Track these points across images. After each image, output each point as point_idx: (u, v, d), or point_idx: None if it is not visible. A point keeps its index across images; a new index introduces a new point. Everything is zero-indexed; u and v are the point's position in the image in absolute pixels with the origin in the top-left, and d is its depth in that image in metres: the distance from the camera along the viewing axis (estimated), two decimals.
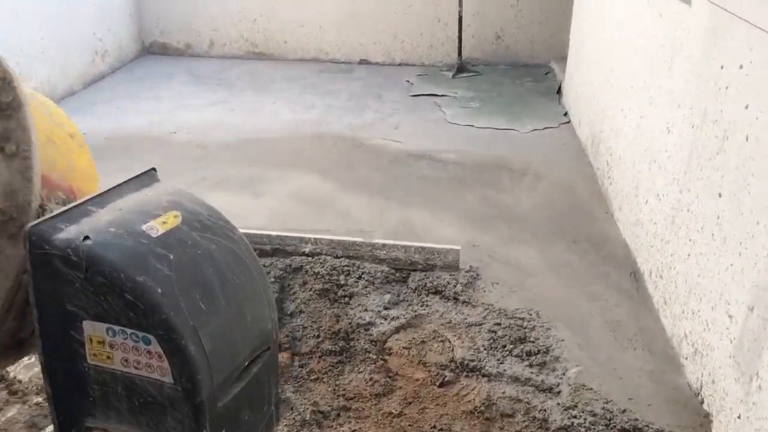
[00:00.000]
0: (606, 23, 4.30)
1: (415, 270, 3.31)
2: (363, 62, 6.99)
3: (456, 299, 3.12)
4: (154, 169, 1.74)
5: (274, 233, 3.40)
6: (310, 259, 3.33)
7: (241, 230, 3.34)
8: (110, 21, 6.44)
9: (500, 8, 6.61)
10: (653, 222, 3.12)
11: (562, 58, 6.58)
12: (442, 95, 5.96)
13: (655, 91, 3.18)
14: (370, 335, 2.90)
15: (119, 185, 1.64)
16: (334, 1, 6.80)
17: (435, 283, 3.20)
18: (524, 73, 6.56)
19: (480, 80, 6.36)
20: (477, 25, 6.69)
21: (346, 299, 3.18)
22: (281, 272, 3.27)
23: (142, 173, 1.73)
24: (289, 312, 3.12)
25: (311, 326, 3.02)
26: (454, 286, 3.16)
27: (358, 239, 3.36)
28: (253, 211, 3.89)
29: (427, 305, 3.11)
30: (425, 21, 6.74)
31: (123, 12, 6.68)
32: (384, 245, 3.32)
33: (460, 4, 6.30)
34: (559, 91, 5.94)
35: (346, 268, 3.29)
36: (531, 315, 2.99)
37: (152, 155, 4.62)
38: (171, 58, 7.10)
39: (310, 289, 3.21)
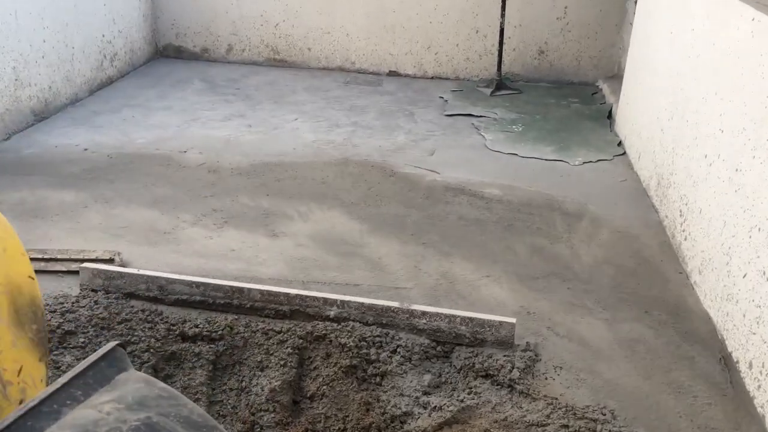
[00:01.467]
0: (682, 41, 3.72)
1: (460, 344, 2.77)
2: (392, 74, 6.44)
3: (511, 387, 2.57)
4: (121, 346, 1.18)
5: (293, 292, 2.87)
6: (335, 325, 2.80)
7: (255, 285, 2.82)
8: (121, 22, 5.93)
9: (545, 20, 6.03)
10: (756, 304, 2.54)
11: (611, 77, 6.01)
12: (480, 116, 5.40)
13: (765, 141, 2.61)
14: None
15: (60, 388, 1.07)
16: (363, 7, 6.25)
17: (485, 363, 2.65)
18: (569, 92, 5.98)
19: (521, 99, 5.79)
20: (519, 37, 6.12)
21: (378, 379, 2.65)
22: (300, 341, 2.74)
23: (102, 356, 1.16)
24: (308, 394, 2.59)
25: (335, 415, 2.49)
26: (510, 371, 2.61)
27: (393, 304, 2.82)
28: (269, 255, 3.36)
29: (475, 393, 2.56)
30: (462, 31, 6.18)
31: (136, 12, 6.17)
32: (424, 313, 2.77)
33: (503, 15, 5.74)
34: (610, 115, 5.36)
35: (378, 339, 2.75)
36: (605, 415, 2.44)
37: (158, 179, 4.10)
38: (185, 62, 6.59)
39: (335, 365, 2.68)
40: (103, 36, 5.66)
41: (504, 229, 3.68)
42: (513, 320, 2.75)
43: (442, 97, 5.86)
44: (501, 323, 2.73)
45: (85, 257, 3.25)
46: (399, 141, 4.88)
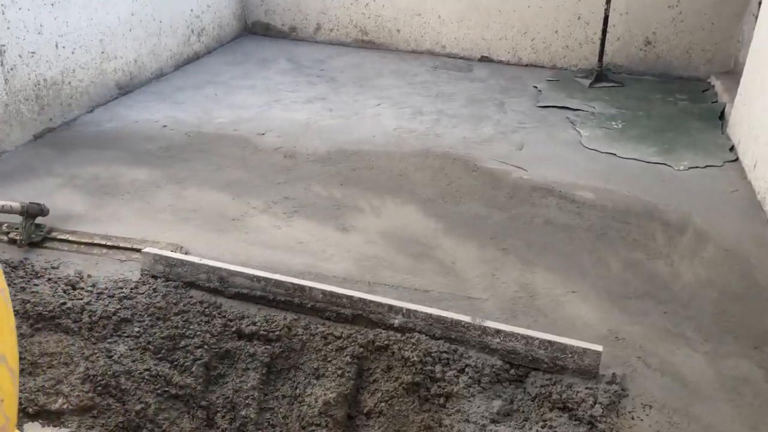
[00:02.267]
0: None
1: (536, 369, 2.48)
2: (484, 59, 6.10)
3: (592, 425, 2.27)
4: None
5: (356, 295, 2.66)
6: (399, 335, 2.57)
7: (318, 284, 2.62)
8: None
9: (655, 8, 5.52)
10: None
11: (726, 73, 5.46)
12: (577, 109, 5.00)
13: None
14: None
15: None
16: None
17: (564, 394, 2.36)
18: (677, 87, 5.47)
19: (623, 93, 5.34)
20: (624, 26, 5.64)
21: (442, 400, 2.41)
22: (361, 350, 2.53)
23: None
24: (365, 410, 2.39)
25: None
26: (591, 405, 2.31)
27: (464, 318, 2.56)
28: (337, 250, 3.17)
29: (550, 427, 2.28)
30: (563, 17, 5.75)
31: None
32: (498, 331, 2.50)
33: (608, 1, 5.28)
34: (722, 116, 4.85)
35: (444, 356, 2.50)
36: None
37: (233, 162, 3.99)
38: (273, 40, 6.48)
39: (396, 380, 2.46)
40: (192, 11, 5.61)
41: (595, 239, 3.33)
42: (599, 348, 2.44)
43: (536, 87, 5.49)
44: (585, 350, 2.43)
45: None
46: (486, 132, 4.57)
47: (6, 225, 3.16)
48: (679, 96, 5.28)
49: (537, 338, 2.47)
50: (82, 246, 3.12)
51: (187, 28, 5.58)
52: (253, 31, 6.60)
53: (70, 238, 3.15)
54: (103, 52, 4.59)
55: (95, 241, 3.13)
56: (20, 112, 3.97)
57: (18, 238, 3.10)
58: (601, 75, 5.51)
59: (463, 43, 6.11)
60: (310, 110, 4.82)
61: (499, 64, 6.05)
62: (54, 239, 3.15)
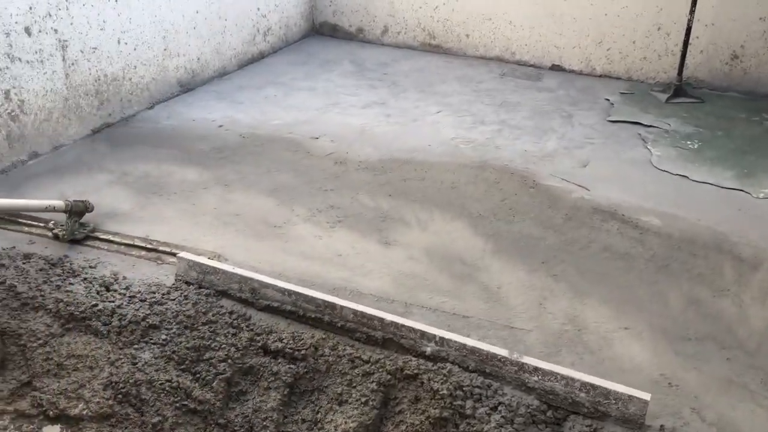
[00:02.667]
0: None
1: (576, 413, 2.28)
2: (555, 68, 5.84)
3: None
4: None
5: (388, 318, 2.52)
6: (430, 365, 2.42)
7: (349, 303, 2.50)
8: None
9: (745, 20, 5.14)
10: None
11: None
12: (650, 126, 4.70)
13: None
14: None
15: None
16: None
17: None
18: (765, 106, 5.07)
19: (702, 110, 4.98)
20: (709, 38, 5.27)
21: None
22: (388, 377, 2.39)
23: None
24: None
25: None
26: None
27: (501, 351, 2.38)
28: (376, 266, 3.03)
29: None
30: (642, 27, 5.43)
31: None
32: (537, 369, 2.31)
33: (692, 11, 4.94)
34: None
35: (477, 391, 2.33)
36: None
37: (283, 166, 3.92)
38: (339, 41, 6.41)
39: (423, 413, 2.31)
40: (258, 9, 5.59)
41: (657, 270, 3.08)
42: (646, 396, 2.21)
43: (608, 100, 5.20)
44: (631, 397, 2.21)
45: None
46: (549, 147, 4.34)
47: (53, 222, 3.18)
48: (766, 115, 4.89)
49: (578, 380, 2.26)
50: (122, 247, 3.11)
51: (253, 27, 5.57)
52: (321, 31, 6.55)
53: (111, 239, 3.15)
54: (165, 50, 4.62)
55: (135, 243, 3.12)
56: (80, 106, 4.02)
57: (61, 234, 3.11)
58: (680, 89, 5.17)
59: (534, 51, 5.87)
60: (368, 115, 4.70)
61: (571, 74, 5.78)
62: (96, 238, 3.16)
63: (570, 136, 4.53)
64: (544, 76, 5.73)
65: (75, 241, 3.12)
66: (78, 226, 3.14)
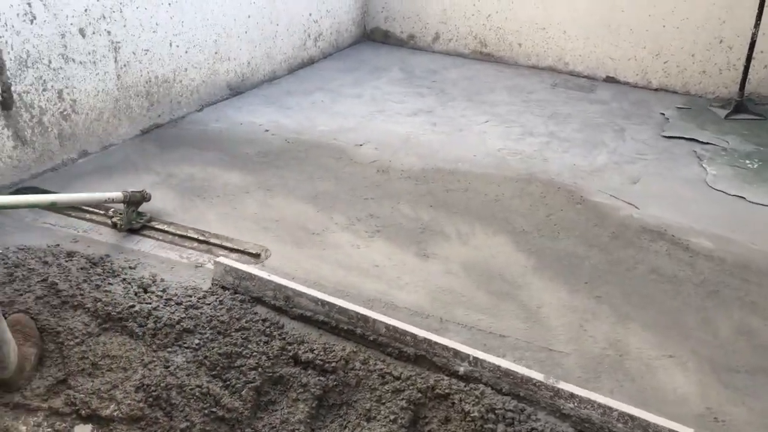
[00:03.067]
0: None
1: None
2: (609, 80, 5.69)
3: None
4: None
5: (421, 334, 2.46)
6: (462, 385, 2.35)
7: (382, 317, 2.46)
8: (331, 2, 5.86)
9: None
10: None
11: None
12: (706, 143, 4.52)
13: None
14: None
15: None
16: (588, 4, 5.57)
17: None
18: None
19: (764, 127, 4.78)
20: None
21: None
22: (419, 396, 2.34)
23: None
24: None
25: None
26: None
27: (537, 375, 2.30)
28: (413, 279, 2.98)
29: None
30: (702, 39, 5.25)
31: None
32: (573, 395, 2.23)
33: (757, 24, 4.75)
34: None
35: (510, 415, 2.26)
36: None
37: (325, 173, 3.90)
38: (390, 48, 6.39)
39: None
40: (310, 15, 5.61)
41: (706, 296, 2.94)
42: (689, 431, 2.10)
43: (664, 114, 5.03)
44: None
45: (236, 247, 3.15)
46: (599, 161, 4.21)
47: (113, 210, 3.32)
48: None
49: (617, 409, 2.17)
50: (176, 237, 3.23)
51: (304, 33, 5.59)
52: (372, 37, 6.54)
53: (166, 229, 3.27)
54: (216, 53, 4.67)
55: (188, 234, 3.23)
56: (130, 107, 4.09)
57: (119, 223, 3.24)
58: (741, 106, 4.97)
59: (588, 61, 5.73)
60: (413, 123, 4.66)
61: (625, 86, 5.62)
62: (152, 228, 3.29)
63: (621, 150, 4.39)
64: (598, 87, 5.59)
65: (132, 230, 3.24)
66: (135, 215, 3.27)
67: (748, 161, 4.25)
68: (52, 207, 3.22)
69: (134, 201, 3.25)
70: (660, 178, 4.02)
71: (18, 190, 3.50)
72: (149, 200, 3.35)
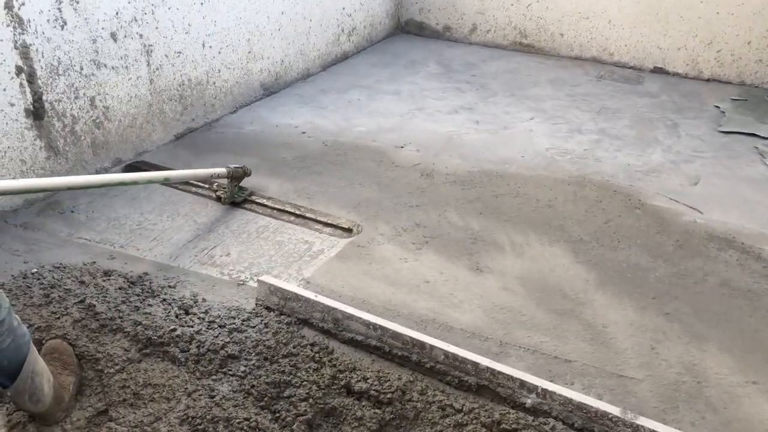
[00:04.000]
0: None
1: None
2: (657, 71, 5.42)
3: None
4: None
5: (483, 363, 2.29)
6: (530, 419, 2.17)
7: (440, 343, 2.29)
8: None
9: None
10: None
11: None
12: None
13: None
14: None
15: None
16: None
17: None
18: None
19: None
20: None
21: None
22: (483, 431, 2.16)
23: None
24: None
25: None
26: None
27: (613, 409, 2.11)
28: (467, 296, 2.80)
29: None
30: (759, 26, 4.96)
31: None
32: None
33: None
34: None
35: None
36: None
37: (367, 178, 3.73)
38: (425, 40, 6.17)
39: None
40: (344, 9, 5.42)
41: None
42: None
43: (718, 107, 4.77)
44: None
45: (329, 221, 3.32)
46: (654, 160, 3.98)
47: (217, 184, 3.53)
48: None
49: None
50: (274, 211, 3.41)
51: (338, 27, 5.41)
52: (406, 30, 6.33)
53: (265, 203, 3.46)
54: (249, 52, 4.51)
55: (287, 209, 3.40)
56: (163, 111, 3.95)
57: (222, 196, 3.44)
58: None
59: (634, 51, 5.46)
60: (455, 121, 4.46)
61: (675, 77, 5.35)
62: (252, 201, 3.47)
63: (677, 148, 4.15)
64: (645, 79, 5.33)
65: (235, 204, 3.44)
66: (237, 189, 3.45)
67: None
68: (166, 182, 3.40)
69: (237, 176, 3.41)
70: (721, 179, 3.78)
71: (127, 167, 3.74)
72: (250, 175, 3.51)
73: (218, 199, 3.45)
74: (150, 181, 3.06)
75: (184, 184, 3.60)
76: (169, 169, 3.63)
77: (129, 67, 3.66)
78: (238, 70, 4.45)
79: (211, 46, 4.16)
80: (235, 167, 3.38)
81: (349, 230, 3.25)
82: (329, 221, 3.31)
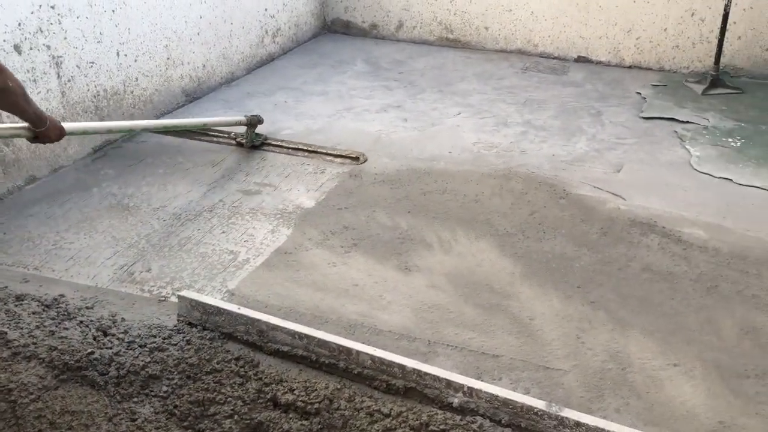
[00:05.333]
0: None
1: None
2: (581, 60, 5.52)
3: None
4: None
5: (410, 365, 2.27)
6: (458, 418, 2.17)
7: (366, 348, 2.25)
8: None
9: None
10: None
11: None
12: (686, 122, 4.37)
13: None
14: None
15: None
16: None
17: None
18: None
19: (743, 102, 4.65)
20: (747, 23, 4.92)
21: None
22: None
23: None
24: None
25: None
26: None
27: (537, 403, 2.12)
28: (396, 296, 2.78)
29: None
30: (674, 13, 5.09)
31: None
32: (579, 424, 2.05)
33: None
34: None
35: None
36: None
37: (297, 183, 3.67)
38: (352, 39, 6.13)
39: None
40: (266, 10, 5.33)
41: (705, 293, 2.79)
42: None
43: (640, 93, 4.88)
44: None
45: (337, 153, 3.94)
46: (578, 149, 4.04)
47: (233, 133, 4.04)
48: None
49: None
50: (290, 150, 3.98)
51: (261, 29, 5.32)
52: (333, 29, 6.28)
53: (280, 144, 4.04)
54: (168, 58, 4.38)
55: (299, 147, 3.99)
56: None
57: (243, 141, 3.97)
58: (717, 80, 4.83)
59: (558, 42, 5.54)
60: (383, 120, 4.44)
61: (598, 66, 5.45)
62: (269, 144, 4.04)
63: (600, 136, 4.23)
64: (570, 69, 5.41)
65: (254, 147, 3.98)
66: (255, 135, 3.97)
67: (730, 139, 4.11)
68: (197, 129, 4.05)
69: (253, 123, 3.92)
70: (643, 164, 3.86)
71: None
72: (263, 123, 4.02)
73: (239, 144, 3.98)
74: (182, 128, 3.96)
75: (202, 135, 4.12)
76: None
77: (37, 80, 3.50)
78: (157, 78, 4.32)
79: (126, 55, 4.03)
80: (251, 115, 3.92)
81: (356, 158, 3.84)
82: (337, 153, 3.91)
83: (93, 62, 3.81)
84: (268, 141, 4.01)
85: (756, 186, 3.59)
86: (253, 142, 3.95)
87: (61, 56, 3.60)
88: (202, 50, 4.68)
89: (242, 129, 3.97)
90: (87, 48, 3.75)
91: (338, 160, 3.85)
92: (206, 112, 4.51)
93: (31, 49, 3.43)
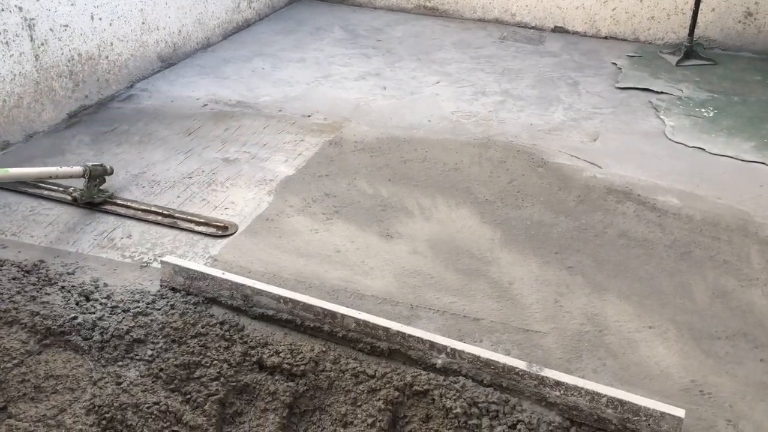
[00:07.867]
0: None
1: (603, 430, 2.10)
2: (558, 30, 5.54)
3: None
4: None
5: (394, 327, 2.31)
6: (441, 379, 2.22)
7: (351, 312, 2.29)
8: None
9: None
10: None
11: None
12: (661, 92, 4.44)
13: None
14: None
15: None
16: None
17: None
18: None
19: (716, 73, 4.72)
20: None
21: None
22: (396, 394, 2.20)
23: None
24: None
25: None
26: None
27: (519, 364, 2.18)
28: (378, 262, 2.81)
29: None
30: None
31: None
32: (558, 383, 2.12)
33: None
34: None
35: (493, 407, 2.14)
36: None
37: (277, 152, 3.66)
38: (330, 5, 6.07)
39: None
40: None
41: (678, 258, 2.87)
42: (681, 413, 2.02)
43: (615, 64, 4.93)
44: (663, 414, 2.02)
45: (202, 220, 3.04)
46: (556, 119, 4.09)
47: (72, 188, 3.12)
48: None
49: (605, 395, 2.07)
50: (139, 212, 3.09)
51: None
52: None
53: (129, 204, 3.14)
54: (143, 23, 4.30)
55: (152, 209, 3.10)
56: (53, 89, 3.74)
57: (79, 197, 3.07)
58: (691, 51, 4.90)
59: (535, 12, 5.56)
60: (362, 88, 4.42)
61: (575, 36, 5.48)
62: (114, 203, 3.14)
63: (577, 106, 4.27)
64: (547, 39, 5.43)
65: (93, 204, 3.10)
66: (97, 190, 3.12)
67: (703, 110, 4.19)
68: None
69: (95, 175, 3.11)
70: (619, 133, 3.92)
71: None
72: (112, 174, 3.22)
73: (74, 200, 3.08)
74: None
75: (31, 187, 3.22)
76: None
77: (9, 43, 3.42)
78: (132, 43, 4.25)
79: (101, 18, 3.95)
80: (93, 165, 3.09)
81: (224, 228, 2.98)
82: (202, 221, 3.02)
83: (67, 25, 3.72)
84: (114, 199, 3.15)
85: (728, 155, 3.67)
86: (93, 198, 3.09)
87: (33, 19, 3.52)
88: (177, 15, 4.59)
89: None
90: (60, 10, 3.66)
91: (200, 228, 2.97)
92: (182, 79, 4.45)
93: (2, 10, 3.34)
